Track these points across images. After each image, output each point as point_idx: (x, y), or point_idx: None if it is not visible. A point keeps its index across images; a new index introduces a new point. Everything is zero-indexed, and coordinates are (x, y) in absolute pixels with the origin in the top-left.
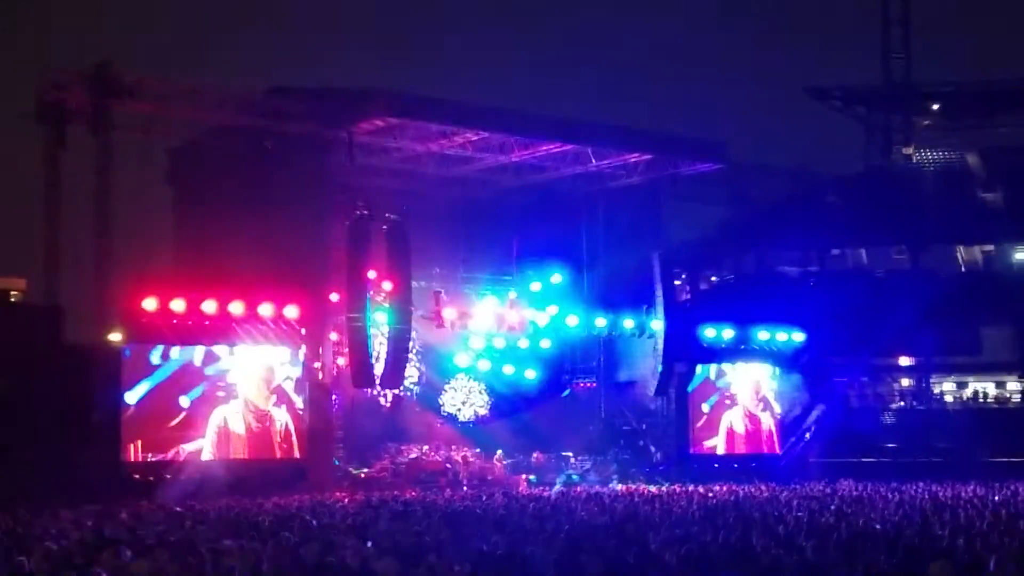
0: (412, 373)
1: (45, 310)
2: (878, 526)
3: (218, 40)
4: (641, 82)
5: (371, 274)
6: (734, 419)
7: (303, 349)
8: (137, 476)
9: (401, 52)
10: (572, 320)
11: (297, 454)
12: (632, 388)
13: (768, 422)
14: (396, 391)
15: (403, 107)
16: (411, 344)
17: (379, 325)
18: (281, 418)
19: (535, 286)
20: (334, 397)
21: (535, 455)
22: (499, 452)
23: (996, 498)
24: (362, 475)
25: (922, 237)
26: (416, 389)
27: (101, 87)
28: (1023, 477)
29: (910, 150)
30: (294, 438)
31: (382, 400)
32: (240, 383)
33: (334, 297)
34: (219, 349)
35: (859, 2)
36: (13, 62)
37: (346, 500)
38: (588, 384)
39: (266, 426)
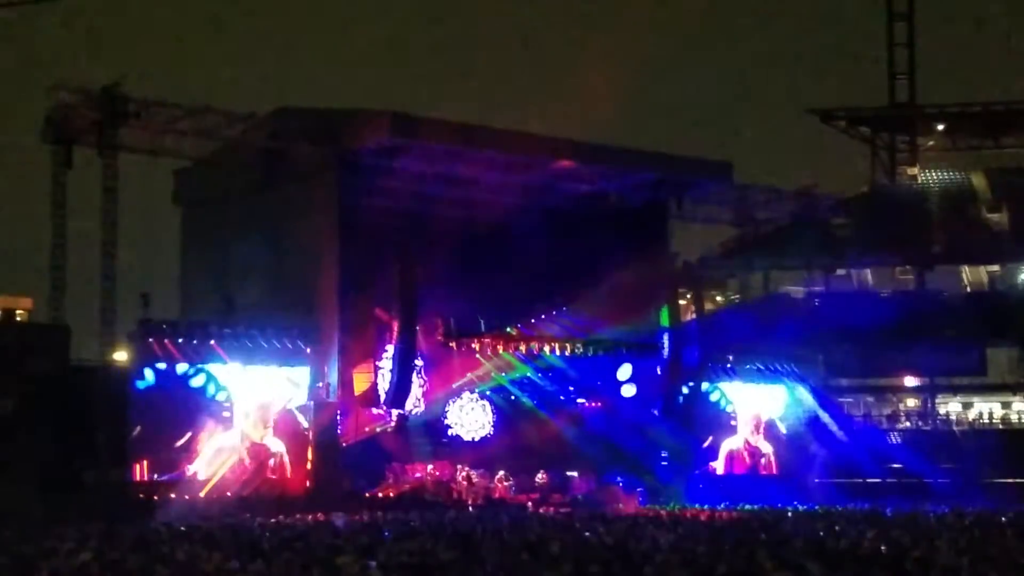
0: (417, 393)
1: (52, 329)
2: (883, 547)
3: (225, 61)
4: (647, 103)
5: (377, 294)
6: (733, 445)
7: (309, 369)
8: (143, 496)
9: (406, 74)
10: (578, 340)
11: (290, 483)
12: (637, 408)
13: (767, 448)
14: (401, 411)
15: (409, 128)
16: (416, 364)
17: (385, 345)
18: (276, 448)
19: (540, 305)
20: (340, 416)
21: (540, 475)
22: (501, 473)
23: (1002, 519)
24: (367, 495)
25: (927, 257)
26: (421, 409)
27: (109, 108)
28: None
29: (915, 171)
30: (288, 470)
31: (388, 420)
32: (237, 416)
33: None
34: (226, 368)
35: (864, 24)
36: (22, 83)
37: (351, 519)
38: (593, 404)
39: (260, 460)
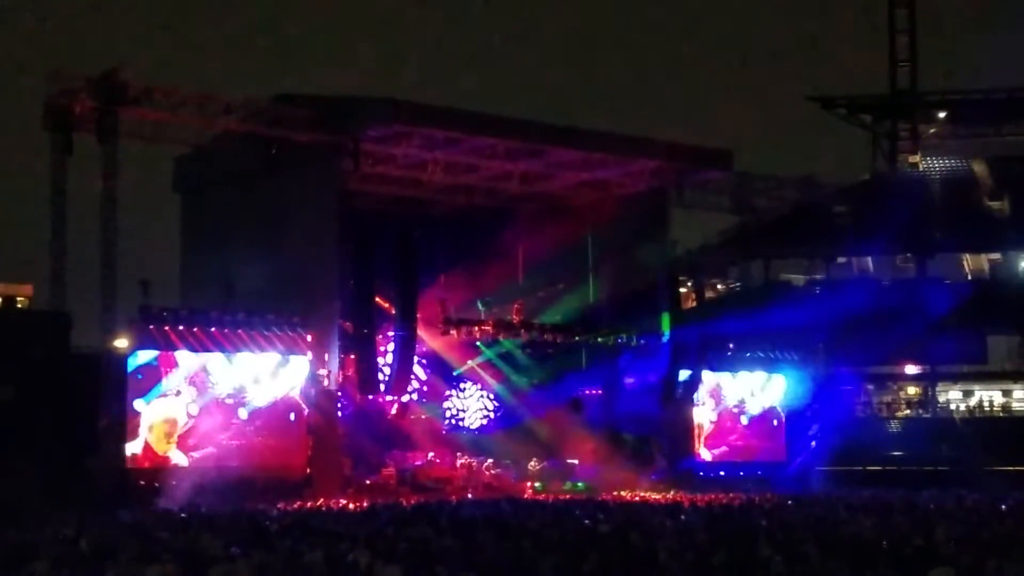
0: (418, 379)
1: (52, 316)
2: (883, 534)
3: (224, 48)
4: (648, 91)
5: (377, 282)
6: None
7: (309, 356)
8: (143, 482)
9: (406, 60)
10: (578, 327)
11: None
12: (638, 395)
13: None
14: (402, 398)
15: (410, 114)
16: (416, 351)
17: (385, 332)
18: (177, 461)
19: (541, 293)
20: (340, 404)
21: (532, 462)
22: (488, 461)
23: (1002, 507)
24: (368, 482)
25: (928, 245)
26: (421, 397)
27: (108, 94)
28: None
29: (916, 158)
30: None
31: (388, 407)
32: (143, 427)
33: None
34: (226, 357)
35: (865, 11)
36: (21, 69)
37: (352, 507)
38: (594, 391)
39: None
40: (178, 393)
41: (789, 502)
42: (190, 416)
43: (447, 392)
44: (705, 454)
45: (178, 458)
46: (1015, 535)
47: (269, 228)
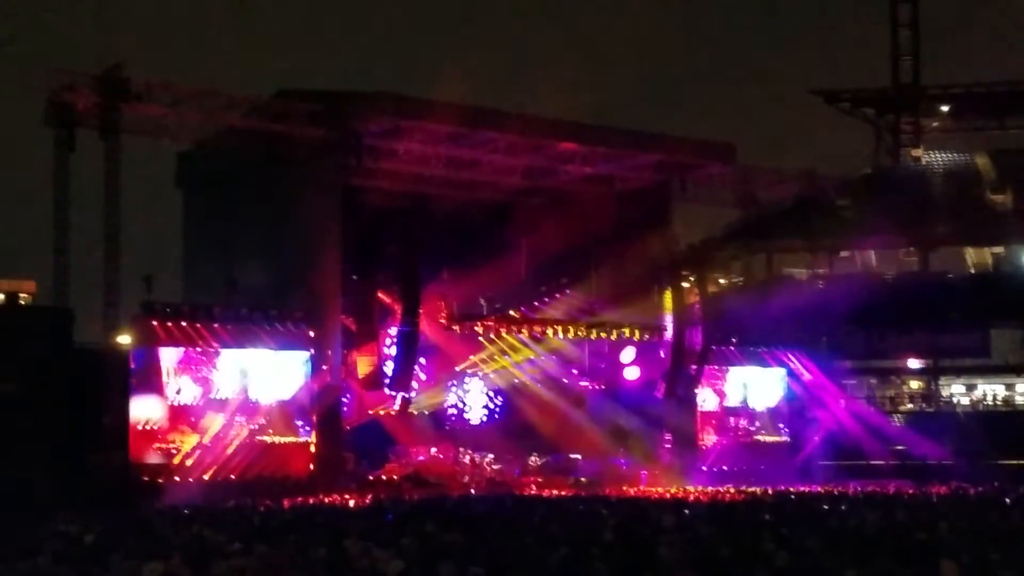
0: (420, 375)
1: (55, 312)
2: (886, 528)
3: (226, 44)
4: (649, 85)
5: (380, 277)
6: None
7: (312, 352)
8: (147, 478)
9: (407, 56)
10: (581, 322)
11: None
12: (641, 390)
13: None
14: (404, 393)
15: (412, 109)
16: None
17: (388, 328)
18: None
19: (543, 288)
20: (343, 399)
21: (532, 458)
22: (490, 457)
23: (1005, 500)
24: (371, 477)
25: (931, 239)
26: (424, 392)
27: (110, 90)
28: None
29: (919, 152)
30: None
31: (391, 402)
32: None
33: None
34: (229, 353)
35: (868, 5)
36: (23, 65)
37: (355, 502)
38: (596, 386)
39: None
40: (179, 391)
41: (792, 496)
42: (192, 415)
43: (450, 387)
44: (708, 449)
45: (154, 459)
46: (1018, 528)
47: (272, 224)
